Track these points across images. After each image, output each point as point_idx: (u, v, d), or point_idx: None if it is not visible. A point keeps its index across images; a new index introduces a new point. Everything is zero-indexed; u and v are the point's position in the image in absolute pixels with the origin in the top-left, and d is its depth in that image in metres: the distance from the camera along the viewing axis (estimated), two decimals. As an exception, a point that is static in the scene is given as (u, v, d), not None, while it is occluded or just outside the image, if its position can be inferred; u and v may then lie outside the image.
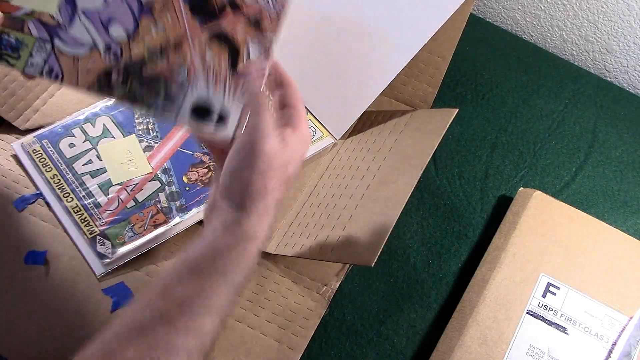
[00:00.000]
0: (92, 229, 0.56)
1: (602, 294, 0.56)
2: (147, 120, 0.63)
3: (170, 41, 0.46)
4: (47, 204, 0.57)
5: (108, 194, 0.58)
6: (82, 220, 0.57)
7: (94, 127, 0.61)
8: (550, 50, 0.81)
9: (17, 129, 0.61)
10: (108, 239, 0.56)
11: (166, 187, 0.59)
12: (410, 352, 0.56)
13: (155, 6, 0.47)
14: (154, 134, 0.62)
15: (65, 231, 0.56)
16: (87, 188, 0.58)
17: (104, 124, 0.61)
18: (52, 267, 0.55)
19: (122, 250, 0.56)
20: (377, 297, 0.59)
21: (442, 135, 0.59)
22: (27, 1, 0.46)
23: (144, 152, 0.61)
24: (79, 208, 0.57)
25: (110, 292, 0.55)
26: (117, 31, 0.46)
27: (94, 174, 0.59)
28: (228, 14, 0.47)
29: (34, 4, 0.46)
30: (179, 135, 0.62)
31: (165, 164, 0.60)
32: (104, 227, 0.56)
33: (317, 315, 0.55)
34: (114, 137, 0.61)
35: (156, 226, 0.57)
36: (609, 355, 0.53)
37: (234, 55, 0.47)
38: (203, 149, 0.61)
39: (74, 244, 0.56)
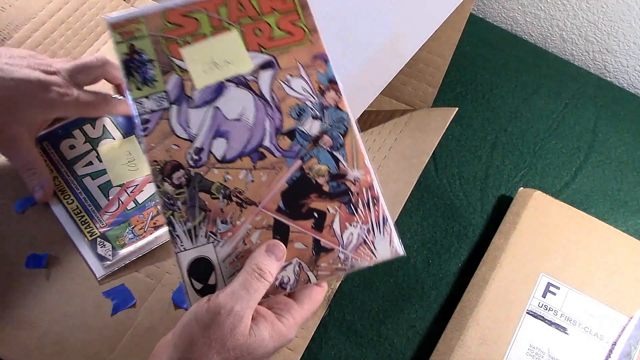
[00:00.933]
0: (93, 231, 0.56)
1: (602, 294, 0.56)
2: None
3: (244, 195, 0.44)
4: (48, 205, 0.57)
5: (108, 196, 0.58)
6: (83, 222, 0.57)
7: (94, 128, 0.61)
8: (550, 50, 0.81)
9: (18, 130, 0.61)
10: (108, 241, 0.56)
11: None
12: (410, 352, 0.56)
13: (266, 159, 0.44)
14: None
15: (66, 233, 0.56)
16: (88, 190, 0.58)
17: (104, 125, 0.61)
18: (53, 270, 0.55)
19: (122, 252, 0.56)
20: (377, 297, 0.59)
21: (442, 134, 0.59)
22: (191, 60, 0.45)
23: (144, 153, 0.60)
24: (80, 210, 0.57)
25: (111, 294, 0.55)
26: (218, 147, 0.44)
27: (94, 176, 0.59)
28: (306, 224, 0.44)
29: (194, 68, 0.45)
30: None
31: None
32: (104, 229, 0.56)
33: (317, 316, 0.55)
34: (114, 138, 0.61)
35: (156, 228, 0.57)
36: (609, 355, 0.53)
37: None
38: None
39: (75, 246, 0.56)
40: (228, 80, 0.45)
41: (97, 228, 0.57)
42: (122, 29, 0.45)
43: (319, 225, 0.44)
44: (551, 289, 0.56)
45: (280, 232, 0.44)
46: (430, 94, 0.67)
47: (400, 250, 0.44)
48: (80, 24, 0.67)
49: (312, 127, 0.46)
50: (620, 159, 0.69)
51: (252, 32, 0.46)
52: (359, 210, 0.45)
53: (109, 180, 0.59)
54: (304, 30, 0.47)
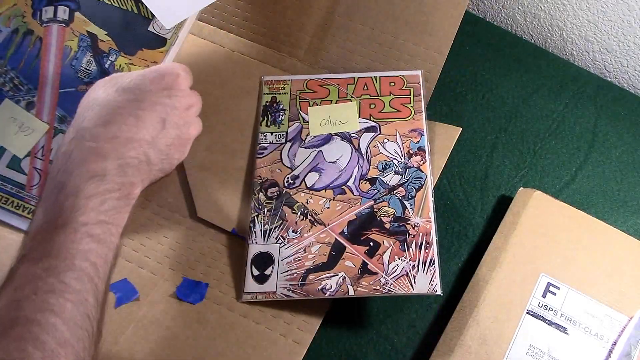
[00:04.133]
0: (31, 209, 0.54)
1: (602, 294, 0.55)
2: (10, 75, 0.57)
3: (318, 216, 0.54)
4: None
5: (24, 171, 0.55)
6: (17, 207, 0.54)
7: None
8: (550, 50, 0.81)
9: None
10: None
11: None
12: (410, 352, 0.56)
13: (345, 195, 0.55)
14: (26, 87, 0.56)
15: (6, 224, 0.54)
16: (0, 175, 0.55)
17: None
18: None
19: None
20: (377, 296, 0.58)
21: (448, 155, 0.61)
22: (314, 116, 0.60)
23: (28, 111, 0.56)
24: (6, 198, 0.55)
25: (114, 288, 0.54)
26: (311, 178, 0.56)
27: None
28: (360, 249, 0.52)
29: (313, 121, 0.60)
30: (50, 76, 0.56)
31: (56, 112, 0.56)
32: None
33: (323, 308, 0.55)
34: None
35: None
36: (609, 355, 0.53)
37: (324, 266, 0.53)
38: (82, 78, 0.56)
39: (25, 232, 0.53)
40: (336, 134, 0.59)
41: (33, 205, 0.54)
42: (271, 85, 0.62)
43: (371, 253, 0.52)
44: (551, 289, 0.56)
45: (337, 250, 0.53)
46: (428, 89, 0.67)
47: (439, 290, 0.51)
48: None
49: (392, 179, 0.56)
50: (620, 159, 0.69)
51: (367, 105, 0.60)
52: (410, 249, 0.52)
53: (14, 155, 0.55)
54: (411, 111, 0.60)
